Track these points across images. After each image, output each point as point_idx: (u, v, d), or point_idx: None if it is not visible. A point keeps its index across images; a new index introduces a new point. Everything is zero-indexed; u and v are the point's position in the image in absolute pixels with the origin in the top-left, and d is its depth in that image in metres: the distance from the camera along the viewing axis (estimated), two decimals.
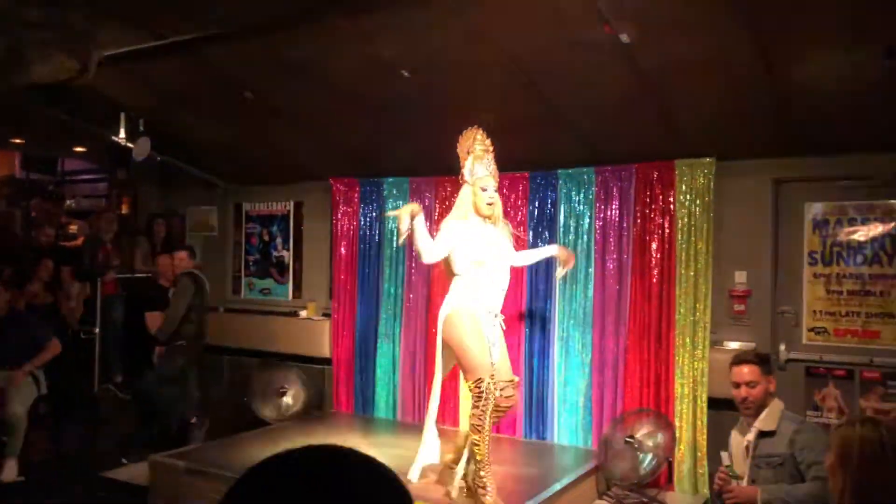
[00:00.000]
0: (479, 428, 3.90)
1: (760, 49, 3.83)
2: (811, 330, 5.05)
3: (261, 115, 5.61)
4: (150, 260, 7.21)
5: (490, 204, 4.10)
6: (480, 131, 4.21)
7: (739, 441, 3.55)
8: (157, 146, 6.10)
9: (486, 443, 3.93)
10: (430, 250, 4.04)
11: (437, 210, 6.08)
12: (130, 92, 5.59)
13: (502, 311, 4.20)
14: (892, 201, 4.82)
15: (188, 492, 4.57)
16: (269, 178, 7.11)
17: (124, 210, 8.19)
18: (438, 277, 5.96)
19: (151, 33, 4.43)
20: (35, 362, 5.79)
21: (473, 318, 4.01)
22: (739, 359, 3.59)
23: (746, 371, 3.49)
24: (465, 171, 4.16)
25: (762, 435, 3.41)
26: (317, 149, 6.21)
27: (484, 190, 4.09)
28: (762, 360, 3.52)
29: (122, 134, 5.90)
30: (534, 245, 5.56)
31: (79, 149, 7.92)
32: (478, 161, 4.13)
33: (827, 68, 3.91)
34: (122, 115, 5.84)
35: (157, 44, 4.45)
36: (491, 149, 4.22)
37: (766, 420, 3.44)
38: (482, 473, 3.95)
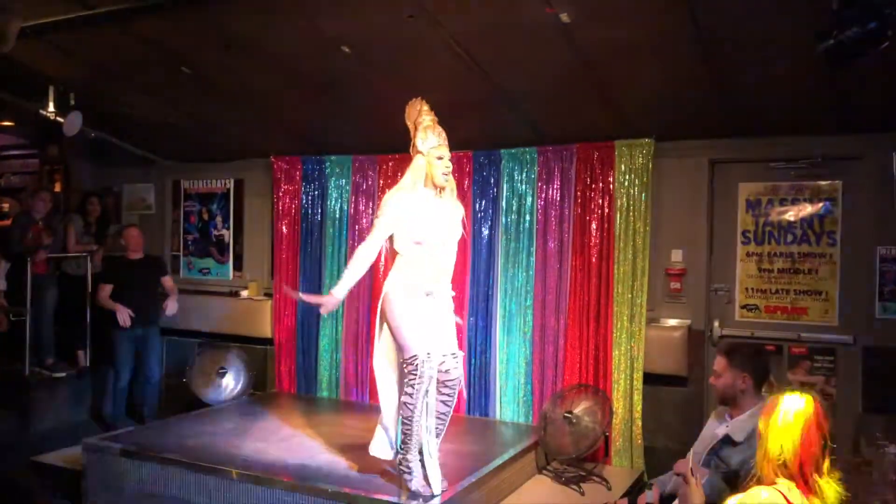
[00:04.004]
0: (411, 407, 3.74)
1: (698, 32, 3.90)
2: (744, 307, 5.21)
3: (199, 91, 5.46)
4: (90, 238, 7.00)
5: (445, 174, 3.91)
6: (424, 102, 4.04)
7: (712, 426, 3.49)
8: (89, 121, 5.89)
9: (417, 425, 3.78)
10: (368, 252, 3.93)
11: (380, 188, 6.05)
12: (60, 64, 5.36)
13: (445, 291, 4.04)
14: (821, 182, 5.00)
15: (124, 475, 4.48)
16: (209, 154, 6.96)
17: (56, 187, 7.90)
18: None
19: (81, 3, 4.26)
20: None
21: (408, 297, 3.85)
22: (718, 347, 3.48)
23: (716, 360, 3.43)
24: (418, 141, 3.94)
25: (729, 439, 3.28)
26: (258, 126, 6.10)
27: (440, 159, 3.90)
28: (730, 353, 3.39)
29: (52, 108, 5.67)
30: (478, 225, 5.60)
31: (6, 123, 7.59)
32: (429, 130, 3.94)
33: (761, 53, 4.01)
34: (51, 89, 5.61)
35: (86, 14, 4.28)
36: (436, 119, 4.04)
37: (738, 428, 3.27)
38: (408, 457, 3.84)
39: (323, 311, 4.06)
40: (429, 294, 3.91)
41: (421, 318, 3.85)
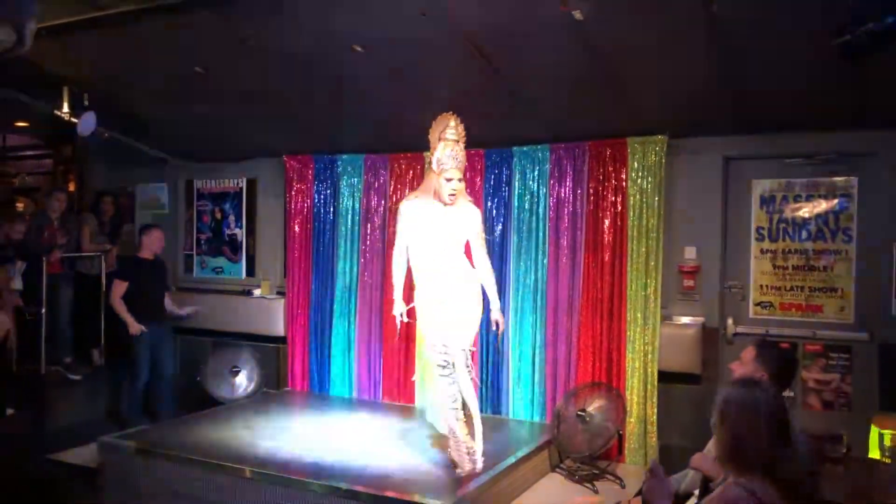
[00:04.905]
0: (438, 388, 4.18)
1: (712, 29, 3.87)
2: (758, 304, 5.18)
3: (212, 90, 5.47)
4: (105, 238, 7.06)
5: (452, 194, 4.19)
6: (454, 118, 4.25)
7: None
8: (103, 121, 5.92)
9: (447, 414, 4.16)
10: (396, 260, 4.37)
11: (392, 187, 6.06)
12: (74, 65, 5.39)
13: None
14: (836, 178, 4.96)
15: (139, 473, 4.51)
16: (222, 154, 6.99)
17: (71, 187, 7.96)
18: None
19: (94, 4, 4.28)
20: None
21: (422, 294, 4.25)
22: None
23: (746, 349, 3.48)
24: (434, 160, 4.21)
25: None
26: (270, 125, 6.10)
27: (448, 181, 4.16)
28: (761, 347, 3.44)
29: (66, 108, 5.71)
30: (490, 223, 5.60)
31: (21, 123, 7.65)
32: (447, 149, 4.17)
33: (776, 49, 3.97)
34: (66, 89, 5.65)
35: (100, 14, 4.30)
36: (463, 136, 4.26)
37: None
38: (448, 448, 4.25)
39: (401, 317, 4.39)
40: (447, 290, 4.20)
41: (435, 312, 4.21)
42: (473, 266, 4.40)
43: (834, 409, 4.89)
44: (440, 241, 4.22)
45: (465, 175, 4.32)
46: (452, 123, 4.23)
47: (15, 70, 5.09)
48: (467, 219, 4.33)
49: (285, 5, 4.18)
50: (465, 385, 4.21)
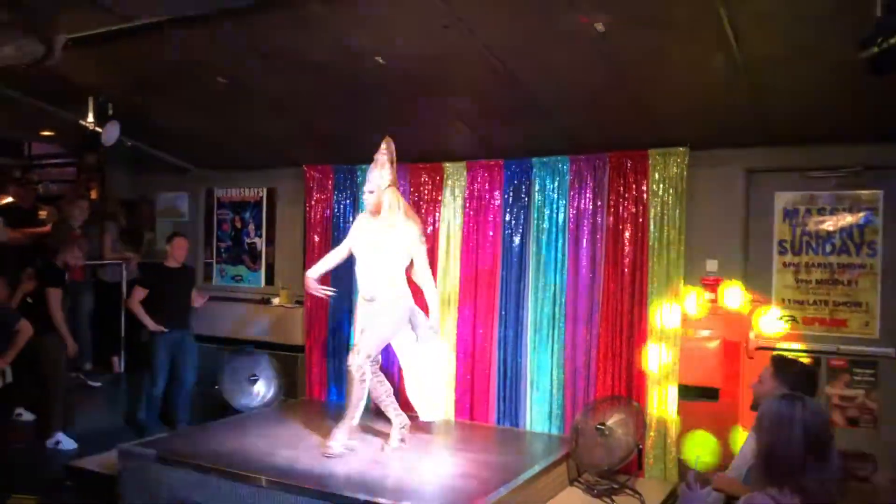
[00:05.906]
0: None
1: (733, 40, 3.85)
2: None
3: (234, 101, 5.52)
4: (126, 246, 7.13)
5: (369, 204, 4.85)
6: (385, 140, 4.82)
7: (751, 441, 3.46)
8: (126, 130, 5.99)
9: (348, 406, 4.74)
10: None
11: (411, 197, 6.06)
12: (99, 75, 5.47)
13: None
14: (861, 192, 4.89)
15: (158, 480, 4.52)
16: (242, 163, 7.04)
17: (93, 195, 8.04)
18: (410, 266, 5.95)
19: (119, 16, 4.33)
20: (13, 350, 5.61)
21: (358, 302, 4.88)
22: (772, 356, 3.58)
23: (765, 367, 3.48)
24: None
25: None
26: (290, 135, 6.15)
27: (363, 194, 4.94)
28: (779, 364, 3.45)
29: (91, 118, 5.78)
30: (509, 234, 5.59)
31: (46, 132, 7.75)
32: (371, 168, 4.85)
33: (798, 61, 3.94)
34: (91, 99, 5.72)
35: (125, 26, 4.35)
36: (383, 152, 4.84)
37: None
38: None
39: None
40: (363, 297, 4.76)
41: (357, 317, 4.87)
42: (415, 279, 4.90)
43: (859, 426, 4.81)
44: (361, 250, 4.79)
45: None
46: (382, 146, 4.81)
47: (41, 80, 5.17)
48: (393, 233, 4.71)
49: (308, 17, 4.21)
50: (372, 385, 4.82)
